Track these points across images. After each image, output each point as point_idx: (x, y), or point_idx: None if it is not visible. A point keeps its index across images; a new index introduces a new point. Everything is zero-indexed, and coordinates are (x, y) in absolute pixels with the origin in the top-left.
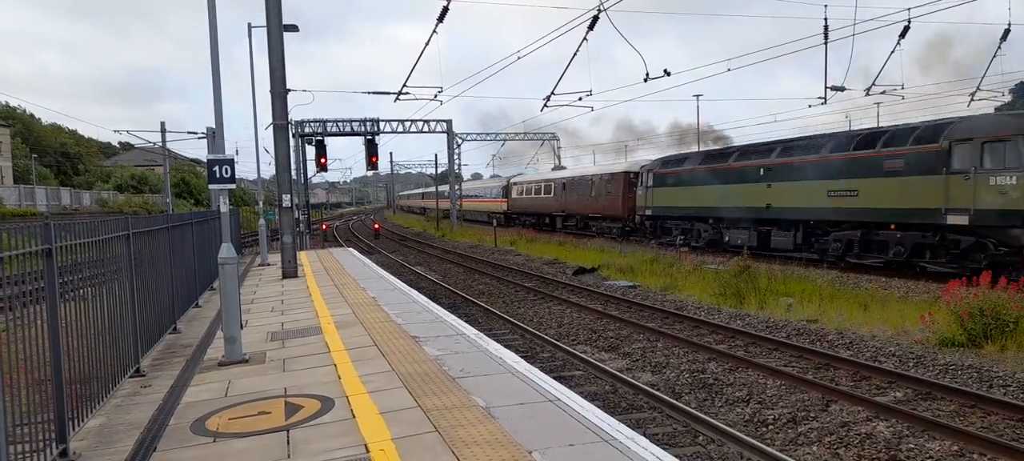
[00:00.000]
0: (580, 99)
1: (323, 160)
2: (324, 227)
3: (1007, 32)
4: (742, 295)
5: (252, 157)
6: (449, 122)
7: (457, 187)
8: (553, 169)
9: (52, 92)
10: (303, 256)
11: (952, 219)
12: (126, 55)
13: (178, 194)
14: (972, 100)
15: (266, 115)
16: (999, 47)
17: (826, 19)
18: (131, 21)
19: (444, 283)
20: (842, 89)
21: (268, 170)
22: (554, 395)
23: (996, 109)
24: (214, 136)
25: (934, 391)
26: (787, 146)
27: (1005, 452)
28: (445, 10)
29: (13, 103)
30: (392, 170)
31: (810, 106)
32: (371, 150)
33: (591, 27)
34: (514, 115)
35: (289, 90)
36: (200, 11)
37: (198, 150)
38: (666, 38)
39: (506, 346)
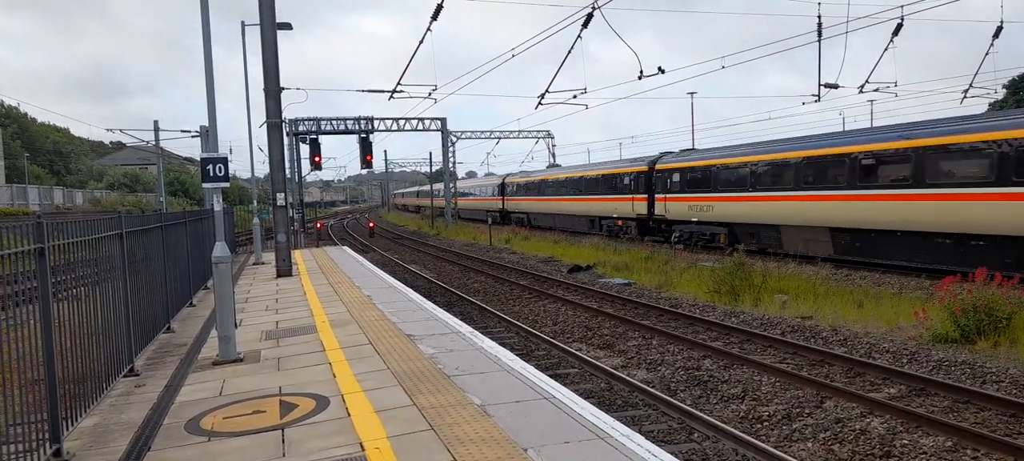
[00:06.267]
0: (574, 97)
1: (317, 158)
2: (319, 226)
3: (999, 30)
4: (737, 292)
5: (244, 155)
6: (444, 120)
7: (452, 185)
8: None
9: (10, 87)
10: (297, 255)
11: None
12: (79, 48)
13: (172, 193)
14: (965, 97)
15: (256, 114)
16: (991, 44)
17: (820, 17)
18: (74, 9)
19: (439, 281)
20: (836, 87)
21: (262, 168)
22: (549, 393)
23: (990, 105)
24: (207, 135)
25: (928, 387)
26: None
27: (999, 448)
28: (439, 8)
29: (9, 102)
30: (387, 168)
31: (804, 103)
32: (365, 148)
33: (585, 25)
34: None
35: (283, 88)
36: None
37: (191, 149)
38: (644, 32)
39: (501, 344)
